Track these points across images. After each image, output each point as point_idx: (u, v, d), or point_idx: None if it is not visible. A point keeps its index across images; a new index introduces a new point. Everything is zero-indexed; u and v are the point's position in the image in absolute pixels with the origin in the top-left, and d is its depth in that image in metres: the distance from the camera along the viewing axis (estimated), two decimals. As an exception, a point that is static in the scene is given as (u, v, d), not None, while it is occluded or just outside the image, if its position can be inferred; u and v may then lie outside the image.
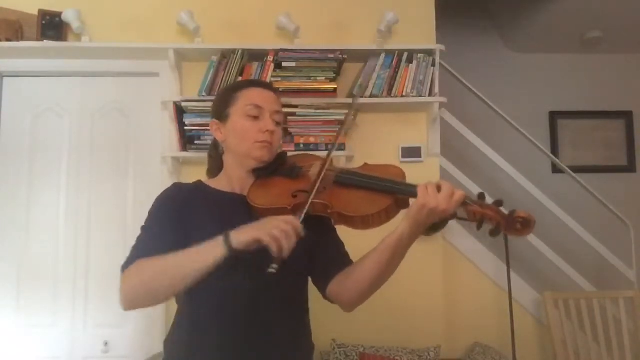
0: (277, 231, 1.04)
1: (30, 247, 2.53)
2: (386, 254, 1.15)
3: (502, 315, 2.61)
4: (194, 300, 1.22)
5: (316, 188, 1.18)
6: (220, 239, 1.07)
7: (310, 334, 1.35)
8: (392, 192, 1.17)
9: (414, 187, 1.13)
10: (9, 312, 2.49)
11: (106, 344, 2.47)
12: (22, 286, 2.51)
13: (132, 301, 1.13)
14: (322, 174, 1.20)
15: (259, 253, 1.06)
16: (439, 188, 1.09)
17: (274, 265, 1.03)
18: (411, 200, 1.17)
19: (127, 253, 1.20)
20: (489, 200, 1.12)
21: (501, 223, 1.08)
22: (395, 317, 2.47)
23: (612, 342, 2.60)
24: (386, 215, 1.16)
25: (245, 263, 1.18)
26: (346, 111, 2.48)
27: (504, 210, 1.10)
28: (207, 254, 1.07)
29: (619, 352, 2.59)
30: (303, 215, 1.13)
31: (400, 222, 1.14)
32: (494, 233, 1.10)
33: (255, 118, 1.29)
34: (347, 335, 2.37)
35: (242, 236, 1.07)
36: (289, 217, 1.09)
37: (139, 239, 1.22)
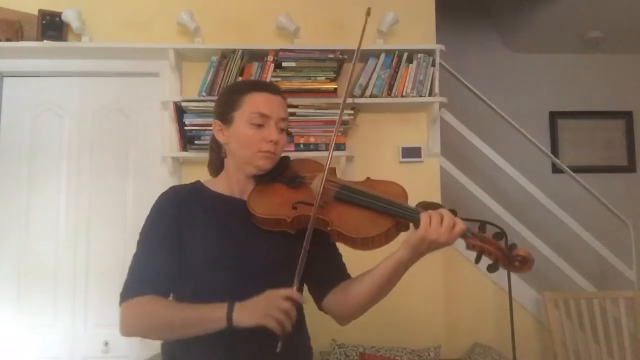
0: (280, 314, 1.06)
1: (30, 247, 2.53)
2: (383, 277, 1.17)
3: (502, 315, 2.60)
4: (194, 303, 1.22)
5: (316, 207, 1.16)
6: (223, 315, 1.09)
7: (308, 338, 1.36)
8: (393, 214, 1.15)
9: (416, 212, 1.13)
10: (9, 312, 2.49)
11: (106, 344, 2.47)
12: (22, 286, 2.51)
13: (130, 335, 1.21)
14: (324, 191, 1.18)
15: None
16: (440, 219, 1.09)
17: (280, 344, 1.06)
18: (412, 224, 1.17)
19: (127, 254, 1.23)
20: (489, 224, 1.12)
21: (499, 259, 1.09)
22: (395, 317, 2.47)
23: (612, 342, 2.60)
24: (386, 237, 1.15)
25: (245, 270, 1.20)
26: (349, 111, 2.48)
27: (504, 244, 1.09)
28: (206, 325, 1.11)
29: (619, 352, 2.59)
30: (300, 279, 1.11)
31: (399, 248, 1.14)
32: (491, 268, 1.10)
33: (260, 126, 1.25)
34: (347, 335, 2.37)
35: (246, 319, 1.08)
36: (289, 291, 1.08)
37: (138, 265, 1.22)
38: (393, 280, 1.17)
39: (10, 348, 2.46)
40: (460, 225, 1.09)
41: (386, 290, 1.20)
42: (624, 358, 2.58)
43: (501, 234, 1.10)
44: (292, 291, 1.08)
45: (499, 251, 1.08)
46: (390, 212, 1.15)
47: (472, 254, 2.84)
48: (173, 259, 1.22)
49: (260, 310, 1.07)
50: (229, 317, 1.08)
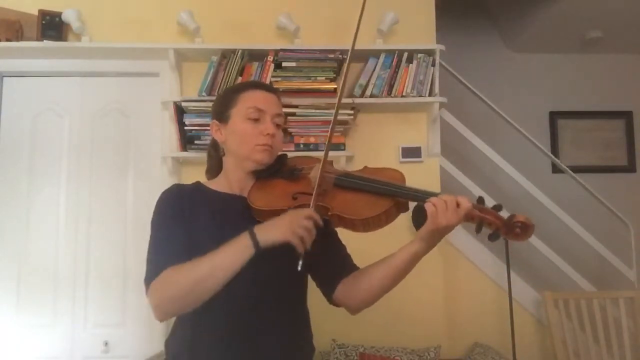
0: (301, 230, 1.09)
1: (30, 247, 2.53)
2: (398, 269, 1.18)
3: (502, 315, 2.61)
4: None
5: (315, 190, 1.18)
6: (247, 240, 1.10)
7: (311, 336, 1.36)
8: (392, 195, 1.17)
9: (414, 190, 1.15)
10: (9, 312, 2.49)
11: (106, 344, 2.47)
12: (22, 286, 2.51)
13: (166, 313, 1.16)
14: (319, 177, 1.20)
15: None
16: (444, 204, 1.09)
17: (301, 262, 1.09)
18: (411, 204, 1.19)
19: (144, 266, 1.20)
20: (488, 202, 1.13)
21: (500, 227, 1.09)
22: (395, 317, 2.47)
23: (612, 342, 2.60)
24: (386, 218, 1.17)
25: (248, 265, 1.19)
26: (349, 111, 2.48)
27: (503, 214, 1.10)
28: (236, 257, 1.11)
29: (619, 352, 2.59)
30: (314, 205, 1.15)
31: (412, 242, 1.16)
32: (492, 237, 1.11)
33: (256, 121, 1.28)
34: (347, 335, 2.37)
35: (270, 236, 1.10)
36: (307, 210, 1.12)
37: (155, 249, 1.21)
38: (407, 271, 1.19)
39: (10, 348, 2.46)
40: (465, 202, 1.10)
41: (400, 280, 1.21)
42: (624, 358, 2.58)
43: (499, 206, 1.11)
44: (311, 212, 1.12)
45: (499, 220, 1.10)
46: (389, 192, 1.17)
47: (472, 254, 2.83)
48: (186, 244, 1.20)
49: (284, 227, 1.09)
50: (255, 241, 1.09)
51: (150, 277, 1.16)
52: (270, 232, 1.10)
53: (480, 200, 1.13)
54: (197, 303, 1.14)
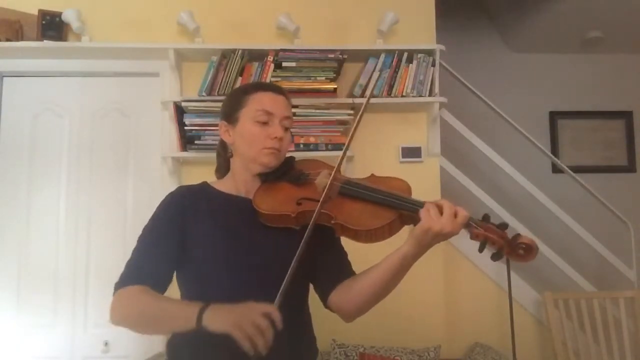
0: (251, 328, 0.99)
1: (30, 247, 2.53)
2: (389, 273, 1.16)
3: (502, 315, 2.61)
4: (200, 301, 1.22)
5: (322, 197, 1.17)
6: (194, 313, 1.05)
7: (314, 338, 1.36)
8: (396, 207, 1.15)
9: (420, 203, 1.12)
10: (9, 312, 2.49)
11: (106, 344, 2.47)
12: (22, 286, 2.51)
13: (116, 323, 1.19)
14: (328, 185, 1.19)
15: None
16: (440, 208, 1.08)
17: None
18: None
19: (127, 254, 1.23)
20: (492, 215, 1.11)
21: (504, 247, 1.08)
22: (395, 317, 2.46)
23: (612, 342, 2.60)
24: (389, 230, 1.15)
25: (251, 269, 1.20)
26: (349, 111, 2.47)
27: (508, 233, 1.09)
28: (176, 321, 1.10)
29: (619, 352, 2.59)
30: (283, 296, 1.07)
31: (404, 243, 1.14)
32: (495, 257, 1.10)
33: (265, 124, 1.28)
34: (347, 335, 2.37)
35: (215, 324, 1.03)
36: (269, 308, 1.03)
37: (136, 257, 1.23)
38: (399, 276, 1.17)
39: (10, 348, 2.46)
40: (464, 213, 1.08)
41: (391, 286, 1.19)
42: (624, 358, 2.58)
43: (505, 224, 1.10)
44: (272, 309, 1.03)
45: (503, 239, 1.08)
46: (393, 204, 1.16)
47: (472, 254, 2.82)
48: (171, 258, 1.23)
49: (232, 318, 1.01)
50: (199, 317, 1.04)
51: (120, 285, 1.20)
52: (217, 319, 1.03)
53: (486, 217, 1.11)
54: (147, 333, 1.23)
